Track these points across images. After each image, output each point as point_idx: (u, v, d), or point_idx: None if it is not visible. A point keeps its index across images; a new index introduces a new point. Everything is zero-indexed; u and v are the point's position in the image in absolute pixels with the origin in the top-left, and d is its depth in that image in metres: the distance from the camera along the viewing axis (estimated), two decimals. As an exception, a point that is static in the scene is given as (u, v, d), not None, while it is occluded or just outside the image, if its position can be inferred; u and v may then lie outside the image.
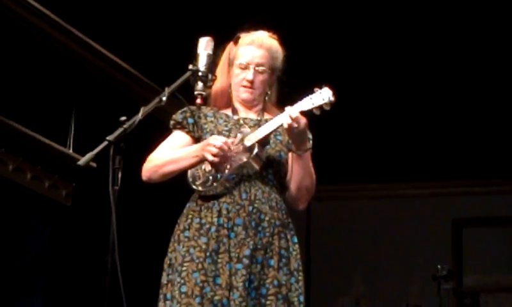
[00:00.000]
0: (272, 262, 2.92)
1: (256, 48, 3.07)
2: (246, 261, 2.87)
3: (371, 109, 6.98)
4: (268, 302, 2.88)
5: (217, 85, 3.05)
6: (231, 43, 3.12)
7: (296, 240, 3.03)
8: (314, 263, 7.52)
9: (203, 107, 3.04)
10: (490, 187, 7.29)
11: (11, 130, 4.76)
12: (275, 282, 2.90)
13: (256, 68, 3.07)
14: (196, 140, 3.07)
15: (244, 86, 3.08)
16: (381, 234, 7.57)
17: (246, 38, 3.10)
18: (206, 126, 3.07)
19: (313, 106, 2.87)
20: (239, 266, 2.87)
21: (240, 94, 3.10)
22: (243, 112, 3.12)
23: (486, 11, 6.06)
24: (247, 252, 2.88)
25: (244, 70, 3.07)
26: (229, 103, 3.14)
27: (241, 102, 3.12)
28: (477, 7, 6.03)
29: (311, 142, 3.03)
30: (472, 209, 7.34)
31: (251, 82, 3.07)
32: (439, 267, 5.92)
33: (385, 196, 7.64)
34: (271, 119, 3.08)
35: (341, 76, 6.36)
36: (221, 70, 3.10)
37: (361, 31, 6.33)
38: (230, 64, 3.12)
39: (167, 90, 2.77)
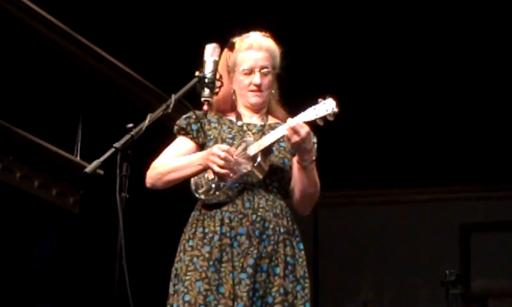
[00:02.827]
0: (278, 270, 2.91)
1: (256, 51, 3.06)
2: (250, 270, 2.87)
3: (378, 114, 6.97)
4: (274, 311, 2.88)
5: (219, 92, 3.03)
6: (225, 50, 3.09)
7: (301, 246, 3.01)
8: (322, 269, 7.52)
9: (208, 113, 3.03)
10: (498, 192, 7.28)
11: (18, 137, 4.76)
12: (281, 290, 2.89)
13: (262, 71, 3.06)
14: (200, 146, 3.06)
15: (252, 90, 3.07)
16: (388, 239, 7.57)
17: (242, 42, 3.09)
18: (210, 132, 3.07)
19: (316, 117, 2.85)
20: (242, 276, 2.87)
21: (250, 99, 3.08)
22: (247, 117, 3.11)
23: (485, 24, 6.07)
24: (251, 261, 2.88)
25: (249, 75, 3.06)
26: (232, 108, 3.13)
27: (248, 107, 3.10)
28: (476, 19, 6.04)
29: (315, 145, 3.01)
30: (479, 214, 7.33)
31: (259, 85, 3.06)
32: (447, 272, 5.88)
33: (393, 201, 7.63)
34: (275, 124, 3.08)
35: (348, 83, 6.37)
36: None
37: (366, 37, 6.32)
38: (230, 71, 3.10)
39: (174, 97, 2.76)
